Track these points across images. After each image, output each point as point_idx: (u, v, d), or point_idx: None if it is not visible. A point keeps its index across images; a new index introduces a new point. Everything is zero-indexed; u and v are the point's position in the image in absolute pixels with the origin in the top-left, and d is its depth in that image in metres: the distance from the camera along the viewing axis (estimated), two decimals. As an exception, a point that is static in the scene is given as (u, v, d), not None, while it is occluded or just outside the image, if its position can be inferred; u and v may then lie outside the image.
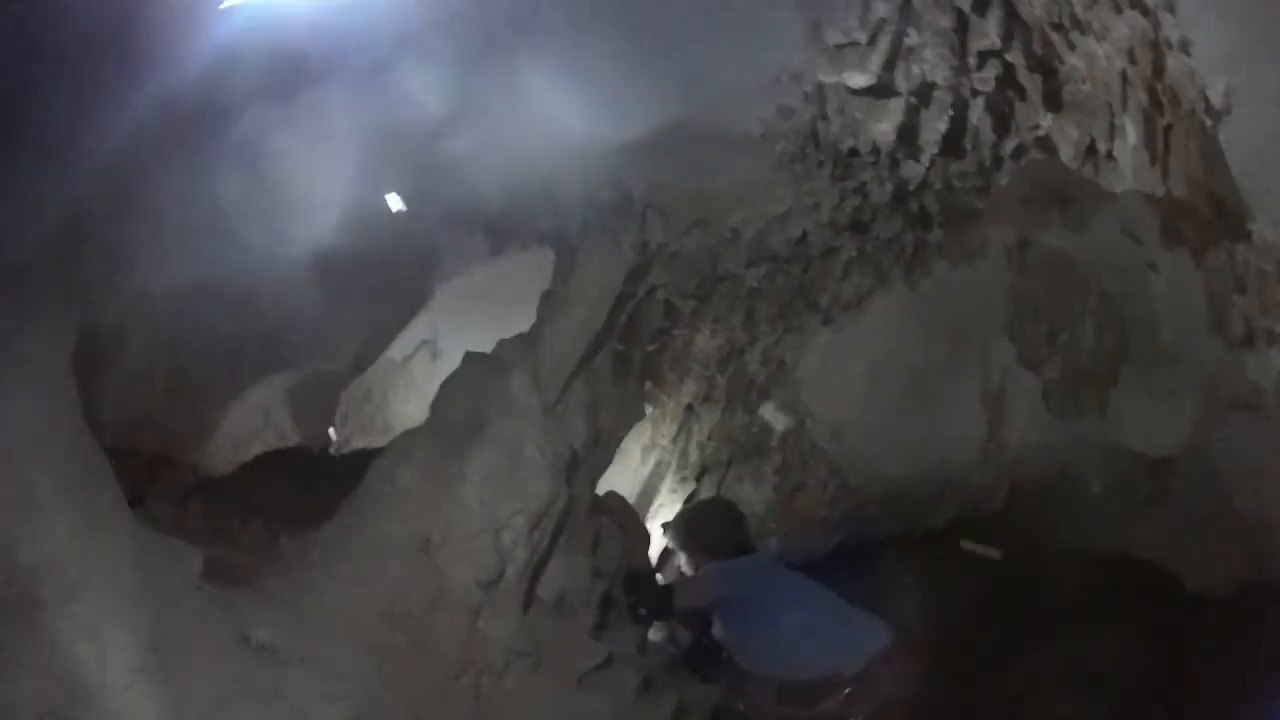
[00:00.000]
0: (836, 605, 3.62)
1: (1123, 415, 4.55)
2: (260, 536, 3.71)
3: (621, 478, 5.71)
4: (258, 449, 4.50)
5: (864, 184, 3.81)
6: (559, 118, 3.45)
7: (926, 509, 5.35)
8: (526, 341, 3.71)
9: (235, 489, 4.27)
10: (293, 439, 4.71)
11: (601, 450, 4.38)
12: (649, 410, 5.65)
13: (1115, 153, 3.21)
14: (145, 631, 2.11)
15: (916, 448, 5.13)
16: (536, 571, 3.41)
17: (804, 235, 4.13)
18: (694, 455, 5.46)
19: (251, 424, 4.43)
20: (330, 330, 4.38)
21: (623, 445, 5.76)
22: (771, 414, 5.28)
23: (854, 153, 3.62)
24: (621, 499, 4.91)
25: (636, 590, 3.74)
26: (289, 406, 4.57)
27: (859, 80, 3.31)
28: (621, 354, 4.41)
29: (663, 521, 4.73)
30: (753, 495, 5.40)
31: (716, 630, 3.86)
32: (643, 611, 3.66)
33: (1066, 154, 3.34)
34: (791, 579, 3.78)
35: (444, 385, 3.45)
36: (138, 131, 2.80)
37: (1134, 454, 4.59)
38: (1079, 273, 4.32)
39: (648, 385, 5.47)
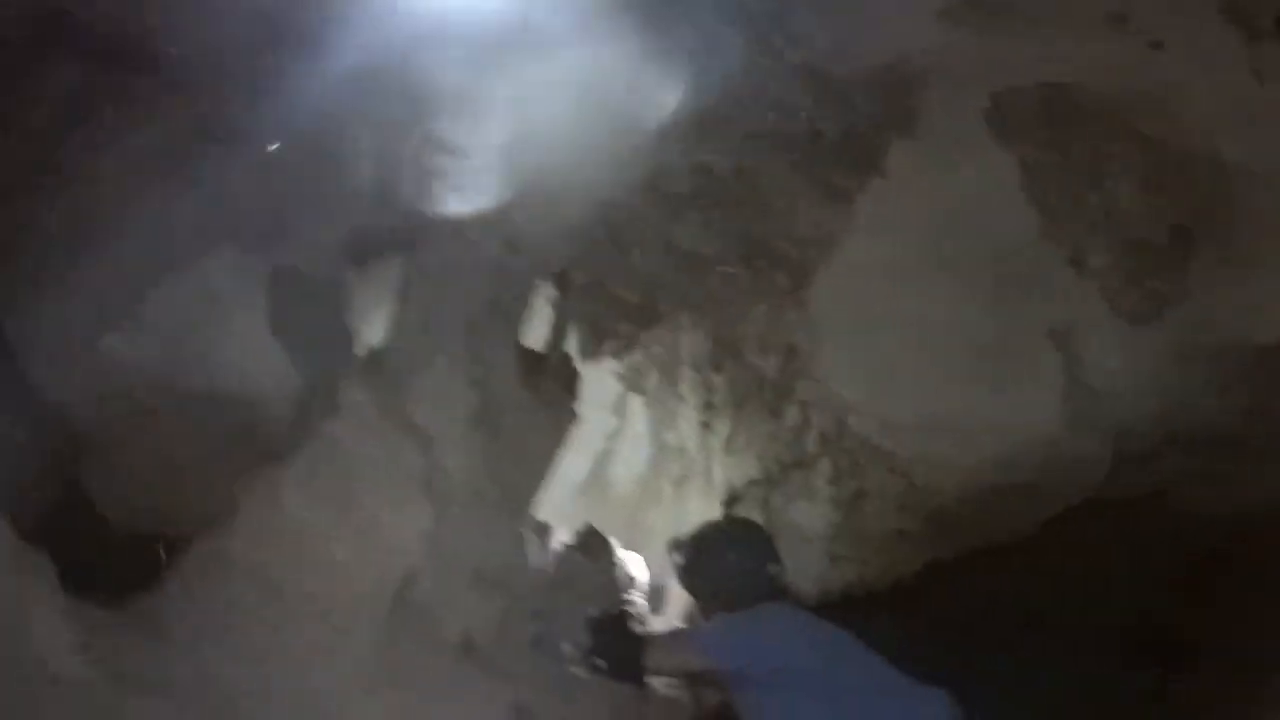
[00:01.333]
0: (884, 681, 2.55)
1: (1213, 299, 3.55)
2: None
3: (654, 512, 4.94)
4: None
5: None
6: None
7: (1017, 502, 4.25)
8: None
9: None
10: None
11: (518, 465, 3.43)
12: (668, 437, 4.89)
13: None
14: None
15: (987, 422, 4.07)
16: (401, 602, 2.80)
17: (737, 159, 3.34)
18: (719, 476, 4.62)
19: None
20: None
21: (649, 478, 4.98)
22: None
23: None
24: (596, 532, 4.14)
25: (597, 636, 2.77)
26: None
27: None
28: (535, 355, 3.60)
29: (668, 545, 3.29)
30: (809, 515, 4.51)
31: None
32: (600, 664, 2.75)
33: None
34: (829, 644, 2.62)
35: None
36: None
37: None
38: (1095, 111, 3.29)
39: (649, 403, 4.73)
